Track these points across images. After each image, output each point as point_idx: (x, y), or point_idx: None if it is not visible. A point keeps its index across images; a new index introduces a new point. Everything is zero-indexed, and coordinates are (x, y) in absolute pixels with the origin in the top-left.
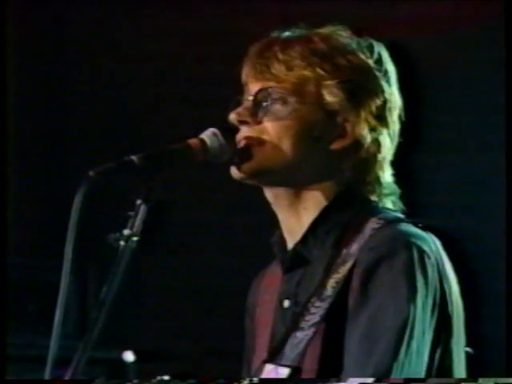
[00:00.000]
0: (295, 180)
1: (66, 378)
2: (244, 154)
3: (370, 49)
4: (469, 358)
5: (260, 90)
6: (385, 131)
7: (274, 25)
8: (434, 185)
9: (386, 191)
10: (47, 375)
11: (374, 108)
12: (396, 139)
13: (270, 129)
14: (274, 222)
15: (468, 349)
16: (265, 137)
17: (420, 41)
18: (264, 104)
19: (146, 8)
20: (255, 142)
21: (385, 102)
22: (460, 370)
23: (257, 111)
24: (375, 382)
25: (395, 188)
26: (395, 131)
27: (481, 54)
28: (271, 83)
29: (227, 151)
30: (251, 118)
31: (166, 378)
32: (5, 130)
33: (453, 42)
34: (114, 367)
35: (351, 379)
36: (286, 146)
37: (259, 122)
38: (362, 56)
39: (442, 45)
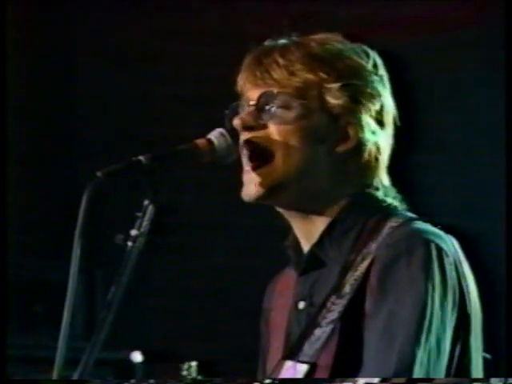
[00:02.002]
0: (305, 191)
1: (74, 378)
2: (249, 176)
3: (366, 54)
4: (484, 362)
5: (263, 94)
6: (383, 135)
7: (278, 26)
8: (435, 185)
9: (392, 194)
10: (55, 376)
11: (373, 111)
12: (391, 143)
13: (275, 133)
14: (285, 226)
15: (486, 354)
16: (271, 141)
17: (420, 41)
18: (267, 108)
19: (152, 8)
20: (262, 148)
21: (382, 105)
22: (478, 370)
23: (261, 116)
24: (380, 382)
25: (396, 191)
26: (391, 135)
27: (481, 55)
28: (273, 88)
29: (234, 151)
30: (256, 122)
31: (194, 363)
32: (7, 128)
33: (453, 43)
34: (122, 368)
35: (359, 379)
36: (293, 150)
37: (264, 127)
38: (360, 60)
39: (442, 45)
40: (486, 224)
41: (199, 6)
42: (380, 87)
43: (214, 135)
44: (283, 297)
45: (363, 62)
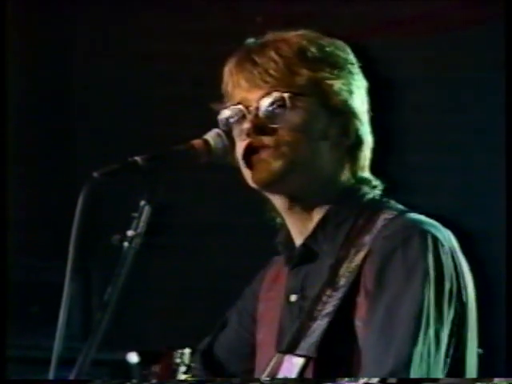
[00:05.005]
0: (308, 184)
1: (70, 378)
2: (258, 164)
3: (345, 48)
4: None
5: (263, 97)
6: (368, 127)
7: (278, 26)
8: (434, 185)
9: (380, 186)
10: (51, 376)
11: (366, 104)
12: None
13: (280, 134)
14: (277, 223)
15: (478, 349)
16: (275, 143)
17: (420, 41)
18: (270, 110)
19: (151, 8)
20: (266, 149)
21: (365, 97)
22: (471, 364)
23: (269, 119)
24: (379, 382)
25: (378, 181)
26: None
27: (481, 55)
28: (275, 89)
29: (231, 152)
30: (265, 126)
31: (187, 350)
32: (6, 128)
33: (453, 43)
34: (118, 368)
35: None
36: (299, 149)
37: (273, 130)
38: (346, 55)
39: (442, 45)
40: (485, 224)
41: (199, 5)
42: (363, 79)
43: (211, 135)
44: (273, 290)
45: (348, 56)
